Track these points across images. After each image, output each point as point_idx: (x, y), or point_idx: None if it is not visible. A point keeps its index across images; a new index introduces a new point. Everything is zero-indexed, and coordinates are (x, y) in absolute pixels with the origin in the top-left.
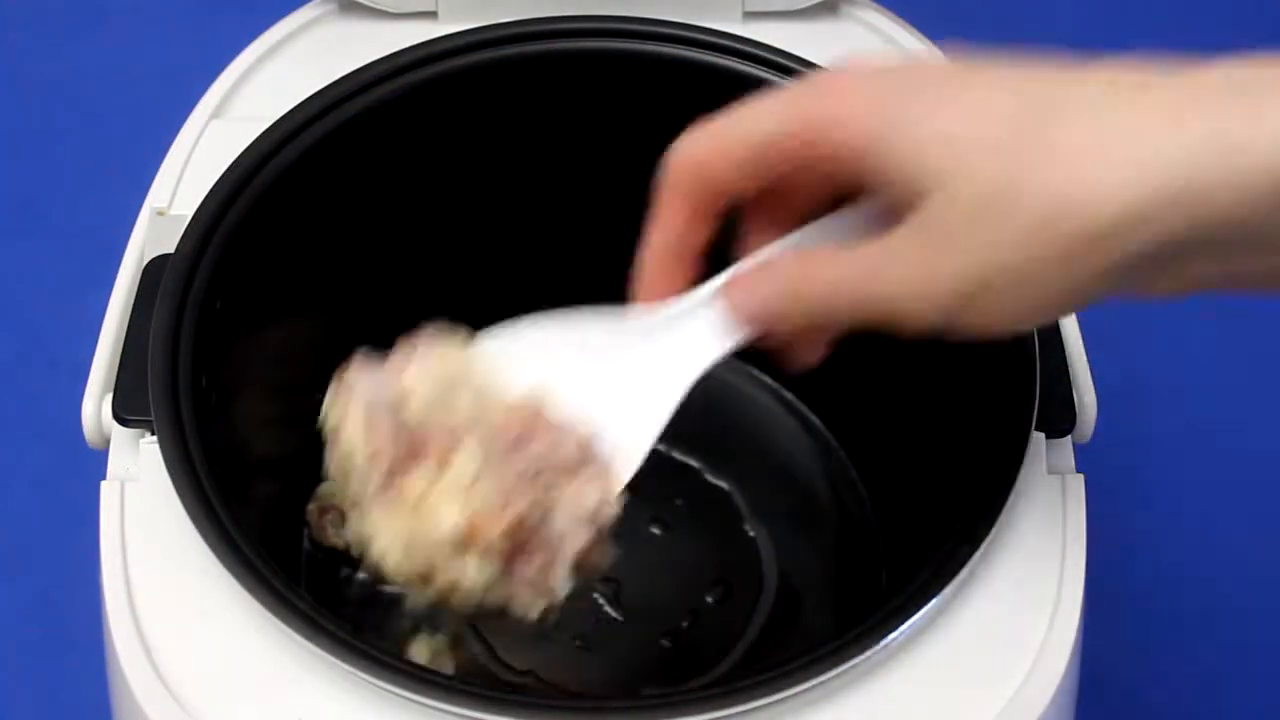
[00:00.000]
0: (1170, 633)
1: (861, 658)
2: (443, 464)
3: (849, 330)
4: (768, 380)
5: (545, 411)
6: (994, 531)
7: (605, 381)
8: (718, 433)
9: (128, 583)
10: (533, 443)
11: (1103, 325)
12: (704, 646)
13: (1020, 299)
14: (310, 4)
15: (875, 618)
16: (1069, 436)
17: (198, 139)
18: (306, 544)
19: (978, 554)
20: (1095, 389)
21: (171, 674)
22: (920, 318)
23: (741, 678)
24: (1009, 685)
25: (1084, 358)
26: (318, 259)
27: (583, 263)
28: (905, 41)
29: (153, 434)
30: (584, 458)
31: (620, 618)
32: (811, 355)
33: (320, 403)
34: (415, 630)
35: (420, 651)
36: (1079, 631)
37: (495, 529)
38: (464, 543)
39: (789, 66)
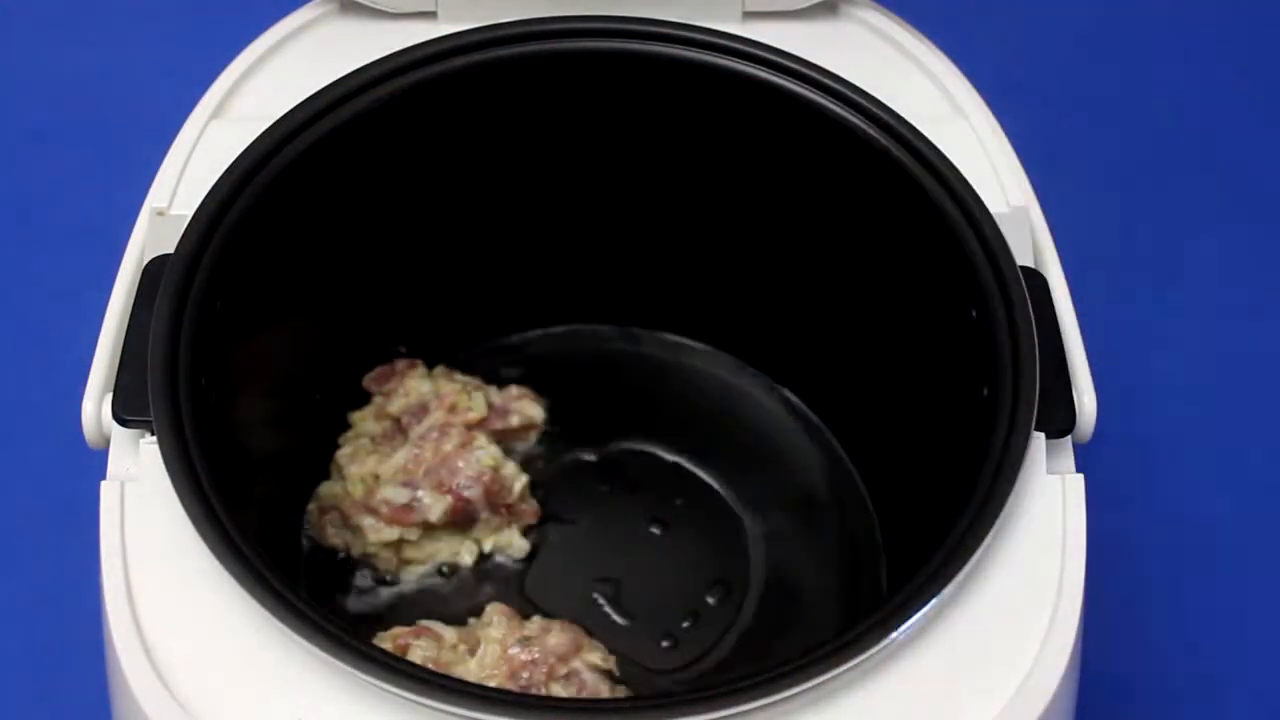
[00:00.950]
0: (1170, 633)
1: (861, 658)
2: None
3: None
4: (767, 380)
5: None
6: (993, 532)
7: None
8: (717, 433)
9: (127, 583)
10: None
11: (1103, 325)
12: (704, 646)
13: None
14: (310, 4)
15: (875, 618)
16: (1069, 437)
17: (197, 139)
18: (306, 544)
19: (977, 554)
20: (1095, 389)
21: (171, 673)
22: None
23: (741, 678)
24: (1009, 685)
25: (1084, 358)
26: (318, 259)
27: (583, 261)
28: (905, 42)
29: (152, 434)
30: None
31: (620, 618)
32: None
33: (320, 403)
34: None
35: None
36: (1079, 632)
37: None
38: None
39: (788, 67)
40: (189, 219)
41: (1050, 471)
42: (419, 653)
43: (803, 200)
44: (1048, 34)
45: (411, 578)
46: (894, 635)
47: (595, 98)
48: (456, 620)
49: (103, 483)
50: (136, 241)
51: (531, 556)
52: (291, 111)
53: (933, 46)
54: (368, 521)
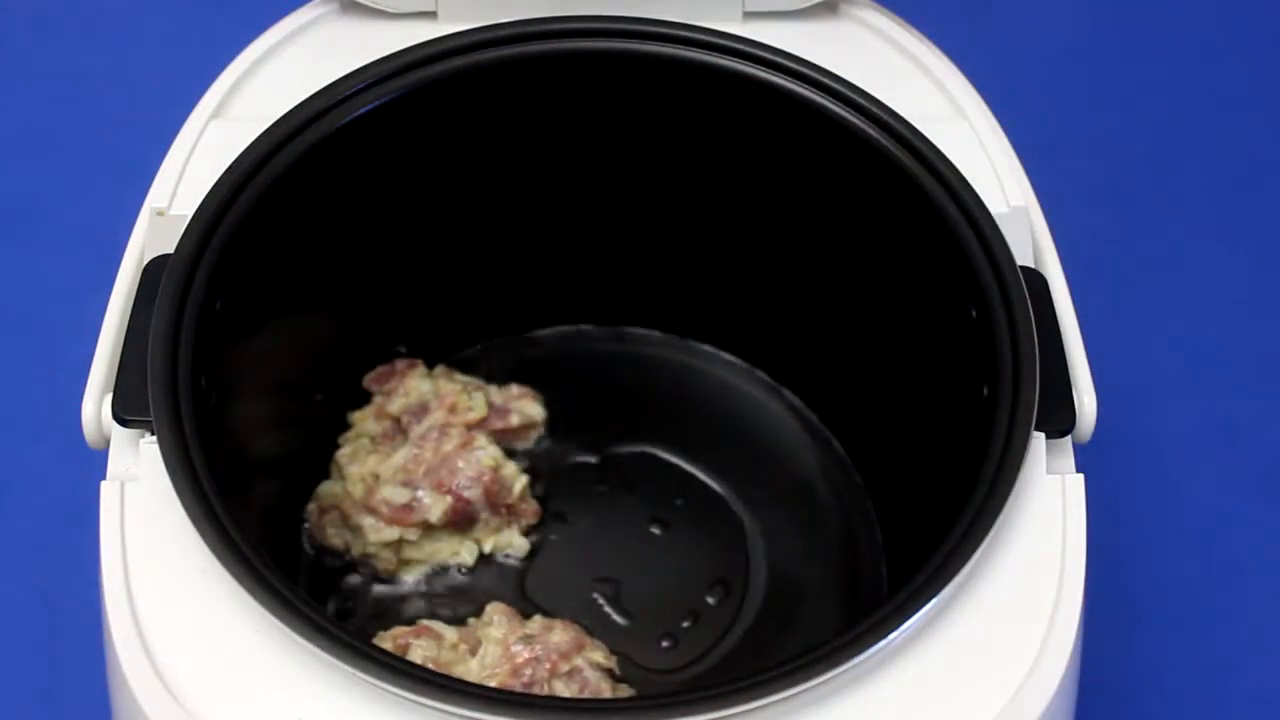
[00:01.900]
0: (1170, 634)
1: (861, 658)
2: None
3: None
4: (767, 379)
5: None
6: (993, 532)
7: None
8: (717, 433)
9: (128, 583)
10: None
11: (1103, 325)
12: (704, 646)
13: None
14: (310, 4)
15: (875, 618)
16: (1069, 437)
17: (197, 139)
18: (306, 545)
19: (977, 554)
20: (1095, 389)
21: (171, 674)
22: None
23: (741, 678)
24: (1008, 686)
25: (1084, 357)
26: (318, 259)
27: (584, 260)
28: (905, 42)
29: (152, 434)
30: None
31: (620, 618)
32: None
33: (320, 403)
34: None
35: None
36: (1079, 632)
37: None
38: None
39: (789, 67)
40: (189, 219)
41: (1050, 471)
42: (419, 652)
43: (802, 200)
44: (1048, 33)
45: (411, 578)
46: (894, 635)
47: (595, 98)
48: (456, 620)
49: (103, 483)
50: (136, 242)
51: (531, 556)
52: (291, 112)
53: (933, 46)
54: (368, 521)
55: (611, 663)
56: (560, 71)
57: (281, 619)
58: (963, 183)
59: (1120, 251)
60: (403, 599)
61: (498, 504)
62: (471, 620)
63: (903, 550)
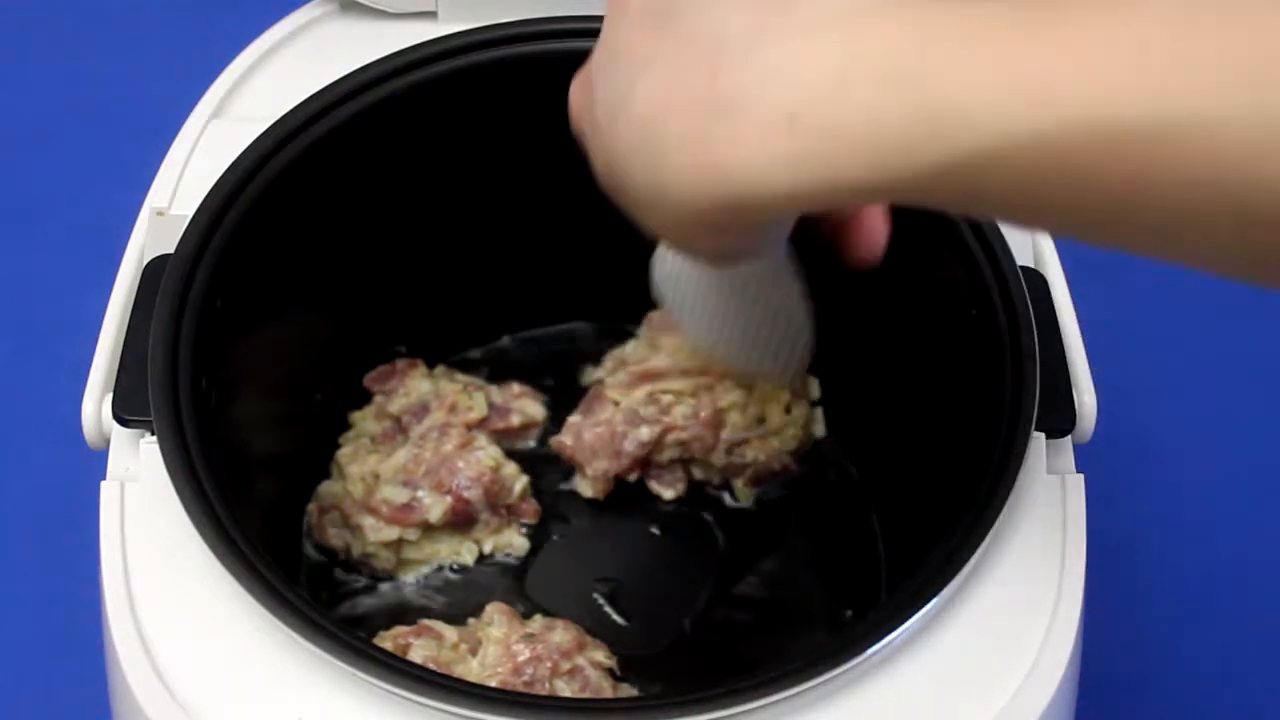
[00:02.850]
0: (1170, 634)
1: (861, 658)
2: None
3: None
4: None
5: None
6: (994, 532)
7: None
8: None
9: (128, 583)
10: None
11: (1103, 325)
12: (704, 647)
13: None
14: (310, 4)
15: (874, 618)
16: (1069, 437)
17: (197, 139)
18: (306, 544)
19: (977, 555)
20: (1095, 389)
21: (171, 674)
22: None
23: (741, 679)
24: (1008, 687)
25: (1084, 357)
26: (318, 259)
27: (585, 260)
28: None
29: (153, 434)
30: None
31: (620, 618)
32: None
33: (320, 403)
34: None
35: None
36: (1079, 632)
37: None
38: None
39: None
40: (189, 219)
41: (1050, 471)
42: (420, 652)
43: None
44: None
45: (411, 578)
46: (893, 637)
47: None
48: (456, 620)
49: (103, 483)
50: (136, 241)
51: (531, 556)
52: (291, 111)
53: None
54: (368, 521)
55: (612, 662)
56: (561, 72)
57: (281, 619)
58: None
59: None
60: (403, 598)
61: (498, 504)
62: (471, 620)
63: (902, 551)
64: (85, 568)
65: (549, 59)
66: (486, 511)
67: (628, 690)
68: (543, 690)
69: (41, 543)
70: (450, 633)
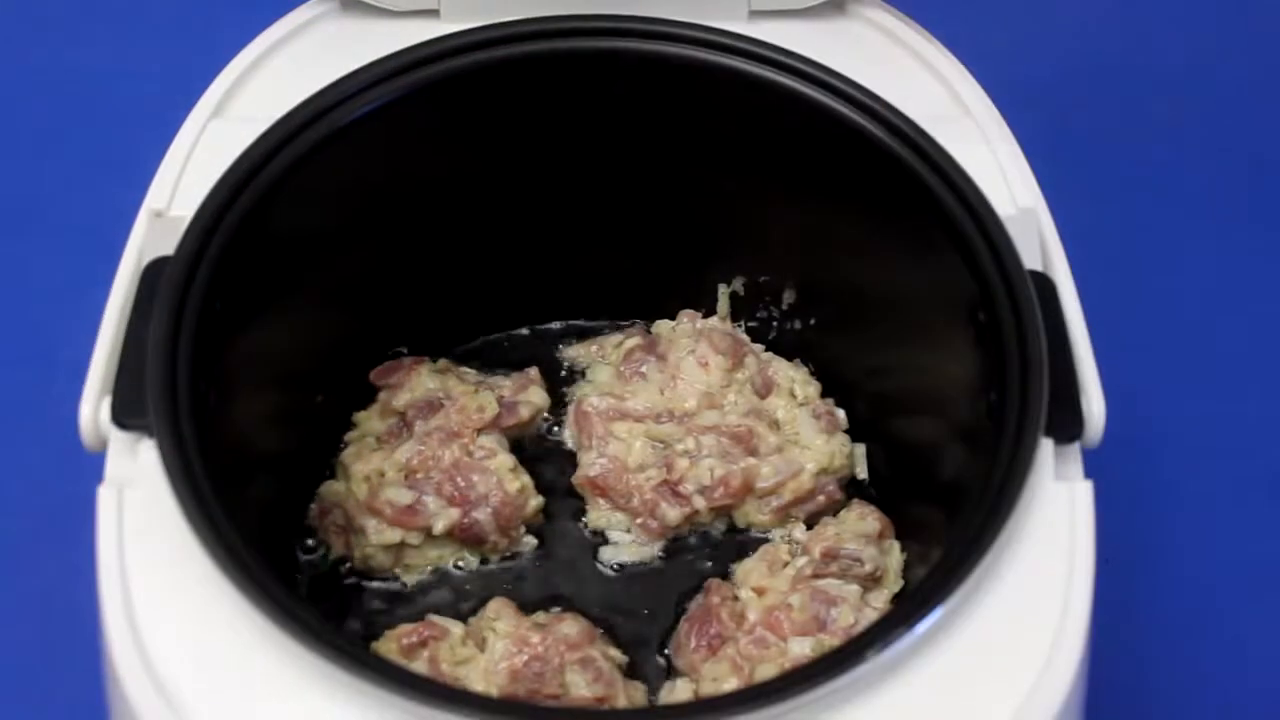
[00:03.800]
0: (1180, 644)
1: (867, 666)
2: None
3: None
4: None
5: None
6: (1000, 540)
7: None
8: None
9: (125, 589)
10: None
11: (1111, 329)
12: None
13: None
14: (310, 2)
15: (880, 626)
16: (1077, 443)
17: (197, 139)
18: (307, 545)
19: (984, 562)
20: (1104, 394)
21: (169, 680)
22: None
23: (746, 687)
24: (1014, 697)
25: (1092, 362)
26: (318, 260)
27: (585, 261)
28: (912, 41)
29: (151, 438)
30: None
31: (622, 618)
32: None
33: (320, 404)
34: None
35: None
36: (1086, 642)
37: None
38: None
39: (795, 67)
40: (188, 220)
41: (1058, 478)
42: (425, 651)
43: (807, 202)
44: (1055, 34)
45: (412, 578)
46: (899, 645)
47: (599, 98)
48: (459, 617)
49: (100, 487)
50: (135, 243)
51: (535, 553)
52: (292, 111)
53: (940, 46)
54: (370, 523)
55: (622, 660)
56: (563, 71)
57: (281, 626)
58: (970, 184)
59: (1129, 254)
60: (404, 598)
61: (508, 528)
62: (471, 620)
63: (909, 558)
64: (82, 572)
65: (551, 58)
66: (495, 534)
67: (639, 689)
68: (554, 683)
69: (37, 547)
70: (456, 628)
